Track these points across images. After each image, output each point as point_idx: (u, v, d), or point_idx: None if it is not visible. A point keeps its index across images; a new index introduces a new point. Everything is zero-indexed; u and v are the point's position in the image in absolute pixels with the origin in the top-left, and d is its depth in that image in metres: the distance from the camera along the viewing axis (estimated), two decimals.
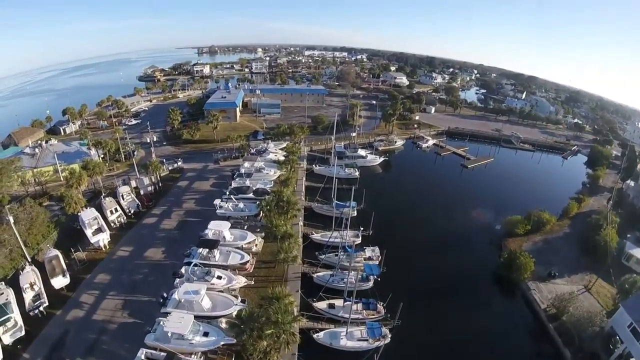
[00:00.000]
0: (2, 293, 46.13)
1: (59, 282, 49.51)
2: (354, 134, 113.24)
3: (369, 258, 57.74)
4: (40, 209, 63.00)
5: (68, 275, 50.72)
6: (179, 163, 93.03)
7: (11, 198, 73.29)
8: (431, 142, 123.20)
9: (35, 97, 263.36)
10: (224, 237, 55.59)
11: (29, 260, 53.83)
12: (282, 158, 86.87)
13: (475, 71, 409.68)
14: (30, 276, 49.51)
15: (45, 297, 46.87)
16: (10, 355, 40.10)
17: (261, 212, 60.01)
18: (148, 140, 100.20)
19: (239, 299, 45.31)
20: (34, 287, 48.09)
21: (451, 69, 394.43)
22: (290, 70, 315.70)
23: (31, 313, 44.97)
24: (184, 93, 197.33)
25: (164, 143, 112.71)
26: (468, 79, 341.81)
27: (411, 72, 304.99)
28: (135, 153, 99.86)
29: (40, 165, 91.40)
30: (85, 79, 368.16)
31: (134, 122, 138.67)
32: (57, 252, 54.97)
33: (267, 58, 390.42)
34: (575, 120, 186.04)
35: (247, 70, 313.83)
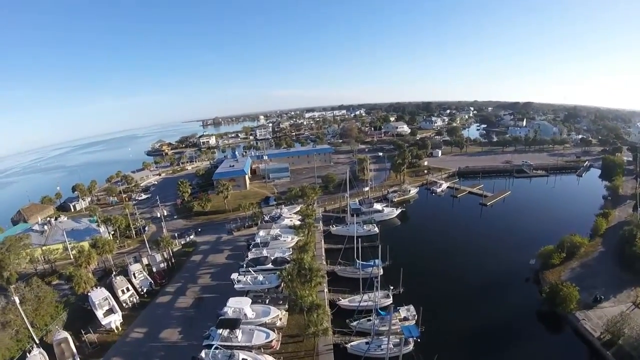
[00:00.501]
0: None
1: None
2: (366, 189, 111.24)
3: (405, 318, 53.43)
4: (48, 289, 60.86)
5: None
6: (192, 237, 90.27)
7: (19, 276, 72.56)
8: (445, 185, 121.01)
9: (46, 173, 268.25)
10: (245, 315, 51.04)
11: (37, 342, 50.54)
12: (298, 222, 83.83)
13: (472, 108, 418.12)
14: None
15: None
16: None
17: (282, 283, 56.25)
18: (158, 215, 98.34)
19: None
20: None
21: (448, 110, 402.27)
22: (294, 133, 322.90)
23: None
24: (192, 165, 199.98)
25: (175, 217, 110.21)
26: (467, 117, 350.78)
27: (410, 120, 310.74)
28: (146, 229, 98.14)
29: (49, 242, 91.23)
30: (95, 155, 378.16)
31: (143, 196, 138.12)
32: (66, 334, 51.93)
33: (270, 124, 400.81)
34: (580, 135, 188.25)
35: (251, 137, 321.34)
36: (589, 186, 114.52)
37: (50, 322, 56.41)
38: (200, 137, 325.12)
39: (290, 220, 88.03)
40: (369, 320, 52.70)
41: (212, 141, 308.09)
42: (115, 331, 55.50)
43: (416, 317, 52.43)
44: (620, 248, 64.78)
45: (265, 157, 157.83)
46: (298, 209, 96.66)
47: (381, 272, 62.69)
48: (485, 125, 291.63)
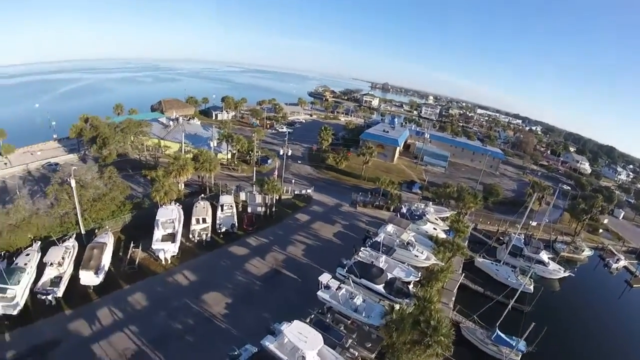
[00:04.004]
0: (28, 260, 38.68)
1: (88, 278, 38.23)
2: (534, 224, 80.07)
3: None
4: (120, 183, 55.92)
5: (102, 275, 39.18)
6: (309, 191, 74.28)
7: (120, 159, 75.10)
8: (622, 262, 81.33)
9: (208, 81, 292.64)
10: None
11: (82, 232, 45.16)
12: (443, 235, 59.58)
13: None
14: (58, 253, 39.43)
15: (62, 287, 36.80)
16: None
17: (385, 324, 33.71)
18: (281, 153, 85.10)
19: None
20: (59, 266, 38.68)
21: (631, 165, 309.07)
22: (461, 123, 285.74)
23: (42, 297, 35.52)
24: (346, 117, 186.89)
25: (299, 162, 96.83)
26: None
27: (592, 160, 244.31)
28: (269, 161, 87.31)
29: (168, 137, 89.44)
30: (262, 81, 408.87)
31: (284, 129, 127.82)
32: (106, 240, 43.91)
33: (438, 107, 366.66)
34: None
35: (416, 112, 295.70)
36: None
37: (107, 218, 50.14)
38: (365, 94, 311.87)
39: (434, 229, 62.94)
40: None
41: (375, 102, 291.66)
42: (163, 262, 44.23)
43: None
44: None
45: (427, 136, 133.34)
46: (448, 214, 71.58)
47: (518, 358, 40.21)
48: None
